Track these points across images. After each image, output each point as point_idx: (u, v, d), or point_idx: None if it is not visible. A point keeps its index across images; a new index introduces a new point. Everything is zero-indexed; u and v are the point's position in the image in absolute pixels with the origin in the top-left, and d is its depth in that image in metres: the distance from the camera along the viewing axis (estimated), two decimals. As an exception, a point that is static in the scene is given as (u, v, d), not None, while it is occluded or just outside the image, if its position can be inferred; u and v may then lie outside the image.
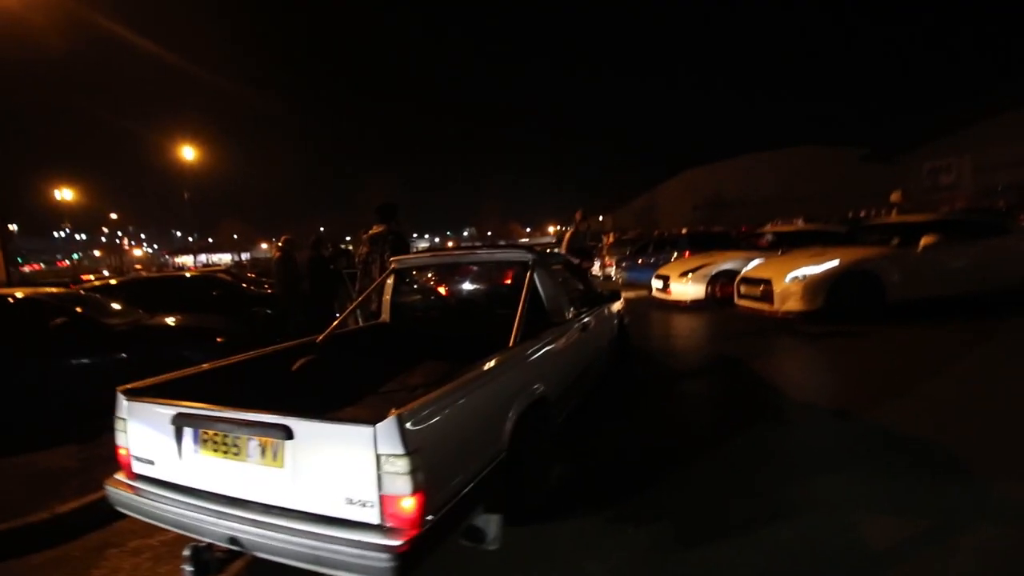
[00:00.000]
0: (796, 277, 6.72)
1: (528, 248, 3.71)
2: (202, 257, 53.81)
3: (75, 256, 58.90)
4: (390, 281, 4.11)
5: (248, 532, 1.81)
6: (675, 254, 11.80)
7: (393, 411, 1.70)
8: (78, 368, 4.75)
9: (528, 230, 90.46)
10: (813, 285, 6.61)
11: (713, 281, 8.76)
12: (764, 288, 7.02)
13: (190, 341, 5.22)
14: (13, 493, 3.25)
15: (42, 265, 50.22)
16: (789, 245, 8.70)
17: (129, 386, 2.29)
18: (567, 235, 7.58)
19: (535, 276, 3.33)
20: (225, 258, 51.94)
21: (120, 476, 2.26)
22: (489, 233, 77.23)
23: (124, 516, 2.38)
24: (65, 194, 38.74)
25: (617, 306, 5.01)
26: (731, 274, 8.43)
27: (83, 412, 4.36)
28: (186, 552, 1.97)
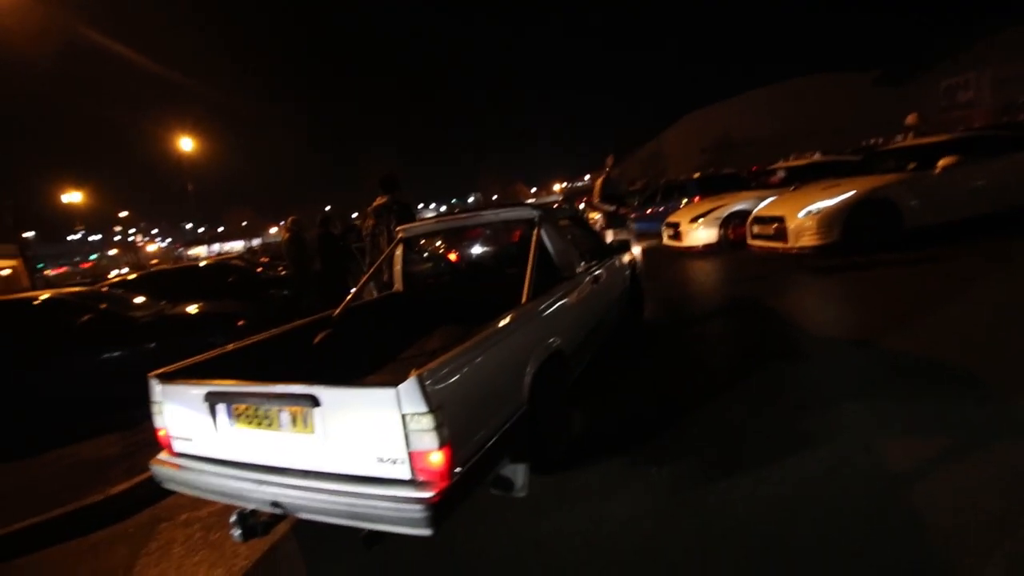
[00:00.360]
0: (810, 211, 6.58)
1: (533, 205, 3.67)
2: (215, 246, 54.39)
3: (92, 257, 59.97)
4: (399, 251, 4.13)
5: (289, 495, 1.91)
6: (684, 200, 11.59)
7: (414, 371, 1.75)
8: (108, 362, 4.91)
9: (534, 190, 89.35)
10: (827, 218, 6.47)
11: (725, 224, 8.64)
12: (777, 226, 6.90)
13: (213, 326, 5.34)
14: (65, 479, 3.44)
15: (67, 268, 51.27)
16: (802, 180, 8.49)
17: (160, 371, 2.37)
18: (598, 182, 7.17)
19: (542, 232, 3.32)
20: (237, 245, 52.42)
21: (163, 455, 2.38)
22: (495, 197, 76.44)
23: (172, 493, 2.53)
24: (73, 196, 39.06)
25: (628, 257, 4.99)
26: (743, 215, 8.29)
27: (119, 403, 4.56)
28: (233, 518, 2.09)
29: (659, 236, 10.16)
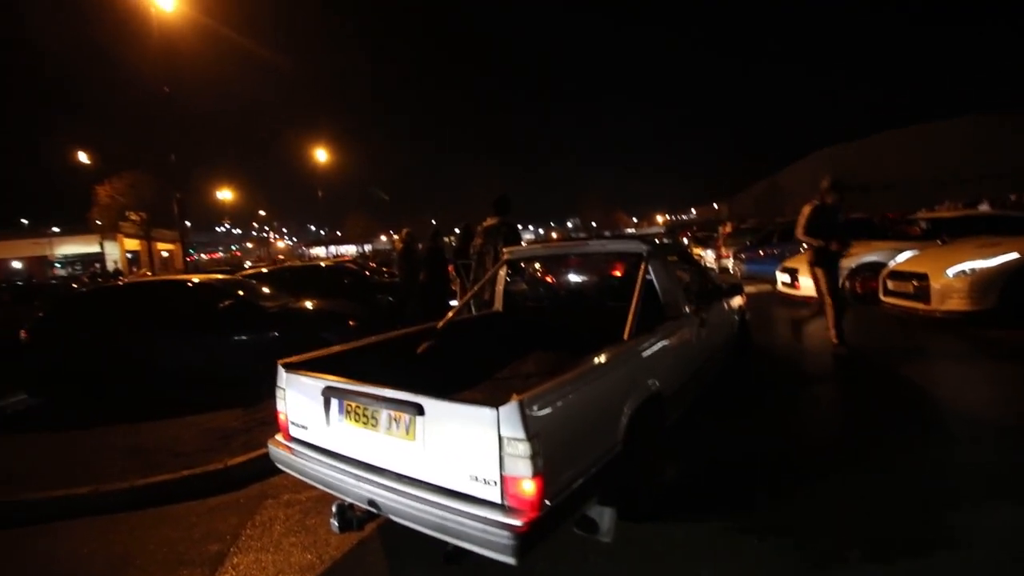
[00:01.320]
0: (961, 272, 5.78)
1: (642, 238, 3.60)
2: (332, 248, 59.63)
3: (233, 247, 68.63)
4: (503, 272, 4.25)
5: (385, 497, 2.00)
6: (804, 244, 10.70)
7: (515, 396, 1.77)
8: (240, 344, 5.54)
9: (635, 220, 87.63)
10: (982, 281, 5.64)
11: (853, 275, 7.83)
12: (918, 284, 6.12)
13: (328, 324, 5.84)
14: (193, 445, 3.90)
15: (220, 254, 59.22)
16: (949, 234, 7.49)
17: (288, 360, 2.63)
18: (806, 209, 5.72)
19: (650, 268, 3.23)
20: (351, 249, 57.00)
21: (279, 437, 2.62)
22: (594, 224, 75.91)
23: (279, 472, 2.76)
24: (225, 194, 45.12)
25: (738, 301, 4.70)
26: (875, 267, 7.47)
27: (244, 381, 5.11)
28: (333, 508, 2.24)
29: (772, 280, 9.46)
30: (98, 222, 35.26)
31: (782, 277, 8.89)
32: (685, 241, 20.83)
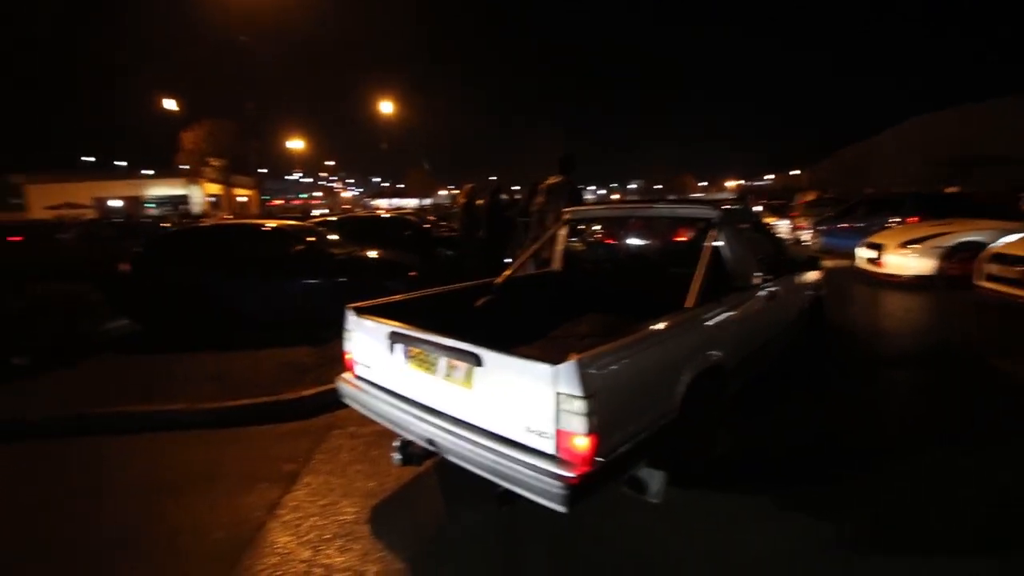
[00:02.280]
0: (1080, 258, 5.15)
1: (713, 203, 3.43)
2: (394, 200, 61.01)
3: (302, 195, 71.84)
4: (563, 231, 4.21)
5: (442, 437, 2.12)
6: (894, 219, 9.84)
7: (574, 355, 1.80)
8: (310, 287, 5.87)
9: (703, 184, 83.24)
10: (1106, 270, 5.01)
11: (948, 255, 7.15)
12: (1025, 269, 5.52)
13: (390, 273, 6.07)
14: (269, 376, 4.24)
15: (284, 200, 62.45)
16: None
17: (356, 304, 2.78)
18: None
19: (720, 234, 3.10)
20: (411, 202, 58.08)
21: (347, 375, 2.81)
22: (658, 186, 72.76)
23: (345, 406, 2.96)
24: (297, 144, 46.81)
25: (813, 276, 4.43)
26: (975, 248, 6.77)
27: (314, 322, 5.45)
28: (396, 443, 2.40)
29: (851, 256, 8.82)
30: (183, 166, 37.88)
31: (865, 253, 8.26)
32: (758, 209, 19.66)
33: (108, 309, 5.54)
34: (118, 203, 40.14)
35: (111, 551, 2.28)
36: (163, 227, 16.22)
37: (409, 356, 2.40)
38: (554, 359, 1.81)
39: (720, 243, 3.13)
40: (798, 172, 59.22)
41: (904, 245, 7.53)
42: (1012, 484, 2.52)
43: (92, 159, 51.63)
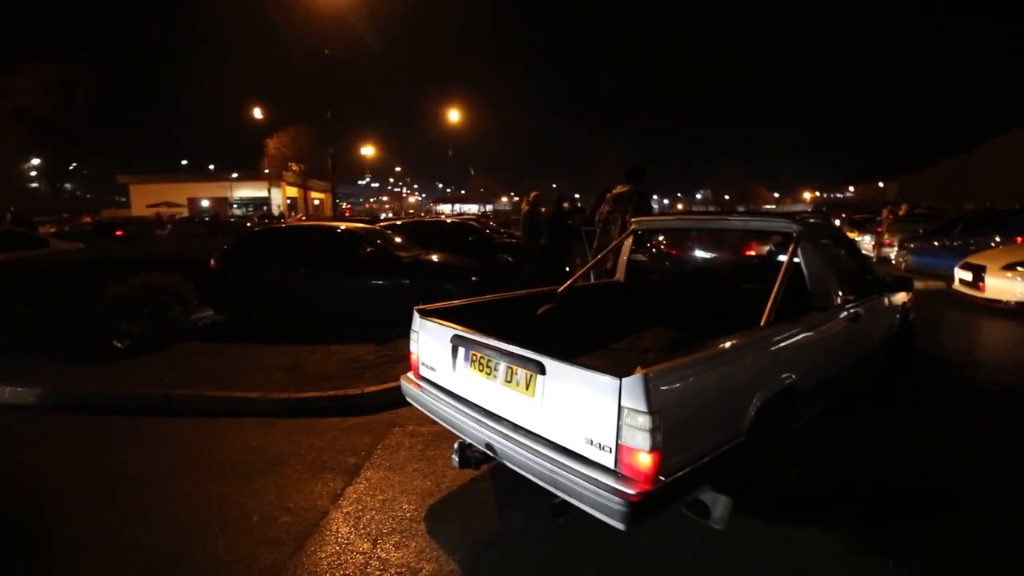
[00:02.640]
0: None
1: (792, 217, 3.24)
2: (456, 206, 62.39)
3: (372, 200, 75.15)
4: (628, 241, 4.12)
5: (502, 443, 2.13)
6: (996, 239, 8.92)
7: (640, 369, 1.75)
8: (377, 287, 6.11)
9: (776, 195, 79.01)
10: None
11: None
12: None
13: (453, 277, 6.20)
14: (335, 370, 4.44)
15: (350, 206, 65.68)
16: None
17: (422, 307, 2.85)
18: None
19: (799, 250, 2.92)
20: (473, 208, 59.20)
21: (411, 375, 2.88)
22: (727, 197, 69.72)
23: (407, 405, 3.03)
24: (367, 150, 49.00)
25: (901, 297, 4.08)
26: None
27: (378, 321, 5.66)
28: (455, 446, 2.43)
29: (943, 277, 8.06)
30: (267, 171, 40.65)
31: (962, 275, 7.52)
32: (837, 223, 18.42)
33: (196, 300, 6.01)
34: (207, 203, 43.67)
35: (183, 528, 2.45)
36: (247, 226, 17.49)
37: (471, 360, 2.43)
38: (620, 372, 1.77)
39: (799, 259, 2.96)
40: (882, 185, 55.01)
41: (1008, 268, 6.79)
42: None
43: (186, 162, 56.57)
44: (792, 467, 2.65)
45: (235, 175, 46.56)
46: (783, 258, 3.22)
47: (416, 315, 2.82)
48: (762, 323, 2.45)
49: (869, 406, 3.65)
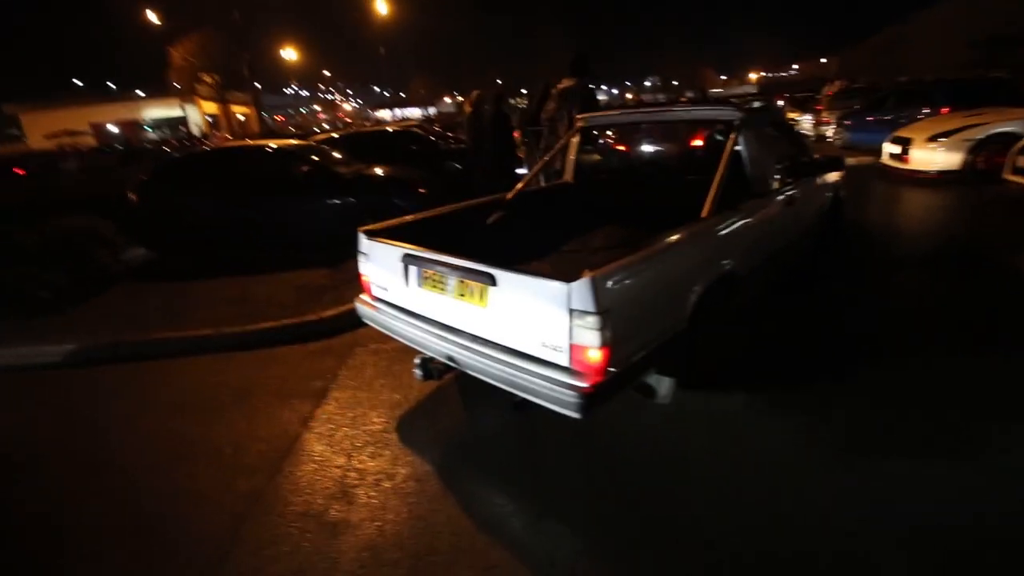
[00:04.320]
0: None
1: (736, 105, 3.23)
2: (397, 111, 58.49)
3: (302, 110, 69.22)
4: (575, 140, 4.04)
5: (462, 354, 2.20)
6: (925, 111, 9.23)
7: (587, 272, 1.80)
8: (320, 208, 5.84)
9: (724, 78, 77.74)
10: None
11: (977, 149, 6.77)
12: (1060, 160, 5.25)
13: (398, 190, 5.98)
14: (288, 298, 4.35)
15: (285, 117, 60.37)
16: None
17: (367, 227, 2.77)
18: None
19: (740, 138, 2.95)
20: (415, 112, 55.67)
21: (364, 296, 2.87)
22: (676, 83, 68.07)
23: (367, 325, 3.05)
24: (289, 54, 44.15)
25: (833, 176, 4.26)
26: (1009, 140, 6.41)
27: (325, 243, 5.48)
28: (416, 361, 2.50)
29: (878, 152, 8.41)
30: (176, 85, 36.27)
31: (890, 148, 7.86)
32: (781, 104, 18.49)
33: (122, 239, 5.60)
34: (115, 128, 39.15)
35: (158, 467, 2.50)
36: (167, 152, 15.96)
37: (424, 277, 2.43)
38: (567, 277, 1.82)
39: (740, 146, 2.99)
40: (824, 61, 54.85)
41: (931, 139, 7.13)
42: (995, 388, 2.58)
43: (80, 83, 49.68)
44: (730, 343, 2.89)
45: (141, 93, 41.46)
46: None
47: (362, 236, 2.74)
48: (704, 214, 2.52)
49: (801, 280, 3.94)
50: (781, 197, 3.21)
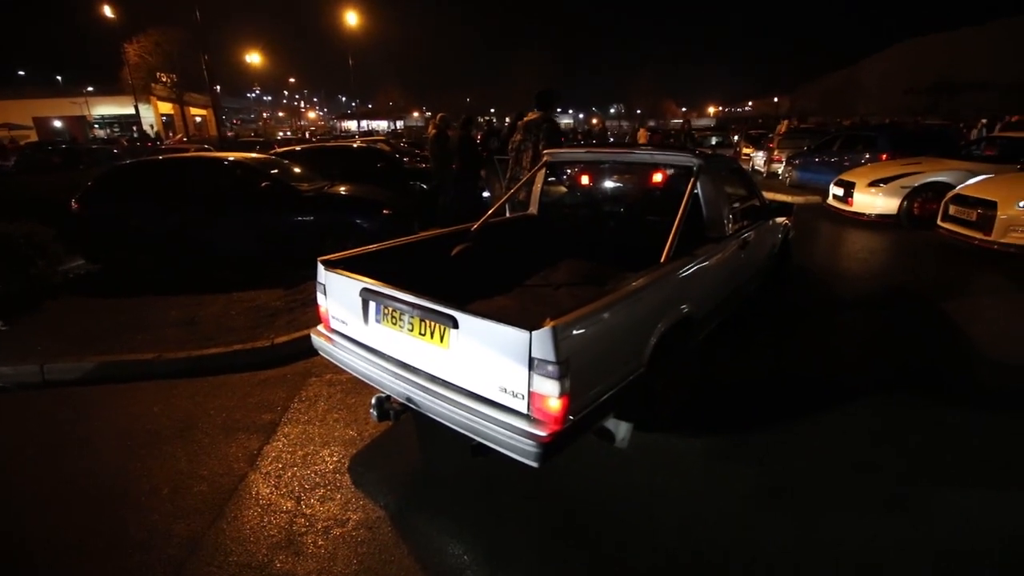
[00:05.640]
0: (1036, 202, 5.33)
1: (695, 151, 3.37)
2: (364, 123, 57.92)
3: (265, 115, 67.57)
4: (541, 173, 4.10)
5: (421, 395, 2.16)
6: (867, 155, 9.89)
7: (549, 321, 1.81)
8: (279, 226, 5.66)
9: (684, 110, 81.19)
10: (1059, 214, 5.22)
11: (913, 196, 7.29)
12: (982, 212, 5.70)
13: (362, 211, 5.88)
14: (240, 321, 4.18)
15: (240, 120, 58.75)
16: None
17: (327, 257, 2.70)
18: None
19: (698, 183, 3.08)
20: (382, 125, 55.27)
21: (321, 328, 2.78)
22: (639, 111, 70.63)
23: (322, 356, 2.96)
24: (253, 58, 43.20)
25: (783, 219, 4.48)
26: (941, 189, 6.93)
27: (281, 263, 5.32)
28: (373, 400, 2.43)
29: (825, 192, 8.92)
30: (130, 82, 34.70)
31: (835, 190, 8.36)
32: (736, 138, 19.41)
33: (61, 249, 5.26)
34: (60, 124, 37.06)
35: (87, 509, 2.32)
36: (114, 153, 15.17)
37: (383, 314, 2.38)
38: (529, 323, 1.83)
39: (698, 191, 3.12)
40: (776, 100, 58.18)
41: (872, 184, 7.64)
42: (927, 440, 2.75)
43: (23, 72, 46.93)
44: (685, 384, 2.96)
45: (90, 88, 39.48)
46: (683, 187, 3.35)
47: (321, 267, 2.67)
48: (663, 259, 2.59)
49: (750, 320, 4.09)
50: (735, 242, 3.34)
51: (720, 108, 73.99)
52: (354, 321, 2.54)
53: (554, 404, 1.84)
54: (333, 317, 2.69)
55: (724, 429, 2.74)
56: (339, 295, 2.61)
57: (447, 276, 3.19)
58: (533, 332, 1.80)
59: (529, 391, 1.88)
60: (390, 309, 2.34)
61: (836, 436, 2.67)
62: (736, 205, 3.61)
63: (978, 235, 5.73)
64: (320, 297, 2.74)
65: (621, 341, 2.21)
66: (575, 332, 1.89)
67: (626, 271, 2.56)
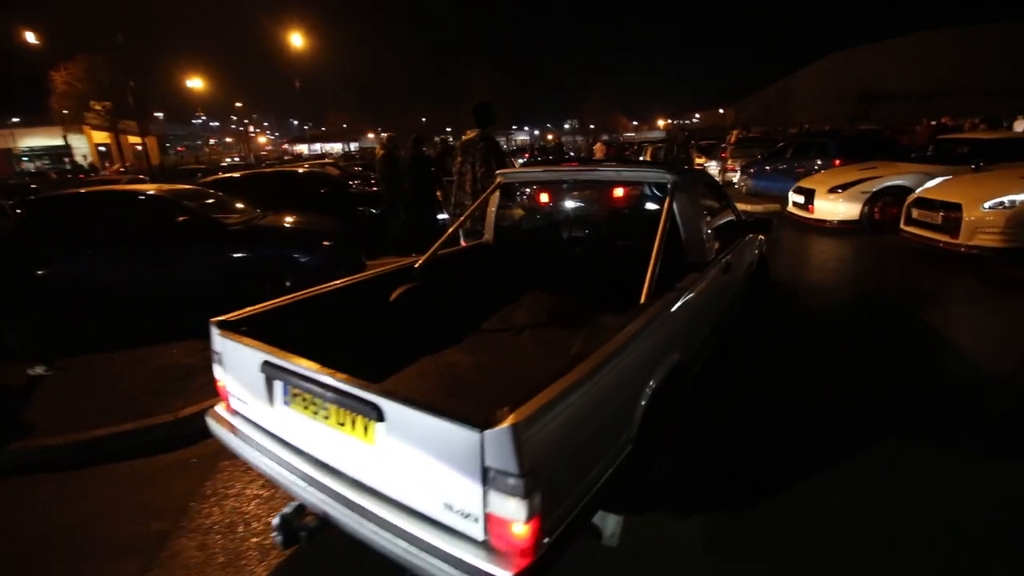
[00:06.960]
0: (1001, 204, 5.24)
1: (668, 166, 2.94)
2: (316, 146, 56.52)
3: (212, 142, 65.01)
4: (495, 196, 3.60)
5: (342, 513, 1.58)
6: (819, 162, 9.93)
7: (507, 415, 1.28)
8: (201, 265, 4.94)
9: (635, 124, 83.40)
10: (1021, 216, 5.14)
11: (873, 200, 7.22)
12: (947, 215, 5.58)
13: (299, 244, 5.23)
14: (141, 386, 3.47)
15: (185, 148, 56.18)
16: (986, 159, 6.81)
17: (221, 319, 2.10)
18: None
19: (675, 203, 2.63)
20: (336, 147, 54.01)
21: (220, 409, 2.17)
22: (592, 127, 71.94)
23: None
24: (196, 83, 41.43)
25: (758, 235, 4.14)
26: (899, 192, 6.88)
27: (201, 310, 4.60)
28: (275, 521, 1.80)
29: (782, 200, 8.84)
30: (64, 112, 32.46)
31: (795, 198, 8.26)
32: (675, 149, 19.64)
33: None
34: (-20, 157, 34.35)
35: None
36: (31, 188, 13.83)
37: (292, 395, 1.80)
38: (480, 420, 1.29)
39: (675, 210, 2.68)
40: (722, 111, 60.40)
41: (832, 191, 7.55)
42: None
43: (-62, 104, 43.38)
44: (677, 442, 2.49)
45: (16, 120, 36.84)
46: (653, 205, 2.92)
47: (214, 330, 2.07)
48: (643, 297, 2.12)
49: (732, 346, 3.69)
50: (717, 266, 2.92)
51: (669, 121, 76.26)
52: (257, 402, 1.95)
53: (520, 530, 1.30)
54: (232, 395, 2.09)
55: (726, 500, 2.27)
56: (237, 368, 2.01)
57: (385, 328, 2.63)
58: (486, 432, 1.27)
59: (485, 512, 1.34)
60: (299, 390, 1.76)
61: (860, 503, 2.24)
62: (710, 220, 3.21)
63: (944, 238, 5.61)
64: (217, 370, 2.13)
65: (604, 418, 1.69)
66: (544, 425, 1.36)
67: (597, 305, 2.09)
